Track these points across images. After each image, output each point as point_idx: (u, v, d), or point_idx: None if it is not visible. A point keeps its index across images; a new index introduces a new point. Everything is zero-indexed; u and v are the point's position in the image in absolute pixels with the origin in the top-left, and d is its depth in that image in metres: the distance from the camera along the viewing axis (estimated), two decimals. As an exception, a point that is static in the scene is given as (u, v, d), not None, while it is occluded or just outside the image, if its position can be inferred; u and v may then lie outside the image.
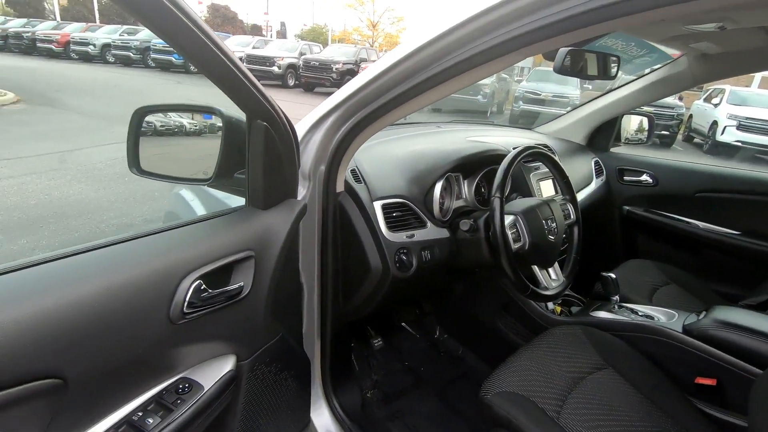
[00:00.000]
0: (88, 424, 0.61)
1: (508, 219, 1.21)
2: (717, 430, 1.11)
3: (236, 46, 15.29)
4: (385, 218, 1.17)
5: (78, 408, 0.59)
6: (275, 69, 13.76)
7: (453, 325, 1.87)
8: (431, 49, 0.82)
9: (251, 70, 0.78)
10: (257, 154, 0.86)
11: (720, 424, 1.14)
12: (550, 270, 1.26)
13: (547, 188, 1.60)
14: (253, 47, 15.35)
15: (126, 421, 0.65)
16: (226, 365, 0.79)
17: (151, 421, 0.65)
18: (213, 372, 0.77)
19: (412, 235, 1.20)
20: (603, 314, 1.44)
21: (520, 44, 0.72)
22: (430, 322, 1.91)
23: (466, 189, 1.43)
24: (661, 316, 1.36)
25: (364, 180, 1.20)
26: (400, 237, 1.17)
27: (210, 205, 1.42)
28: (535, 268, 1.23)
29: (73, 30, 17.02)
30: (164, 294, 0.68)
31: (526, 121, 10.22)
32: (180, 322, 0.70)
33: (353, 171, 1.24)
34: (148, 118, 0.98)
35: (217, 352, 0.80)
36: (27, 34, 17.04)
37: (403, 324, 1.87)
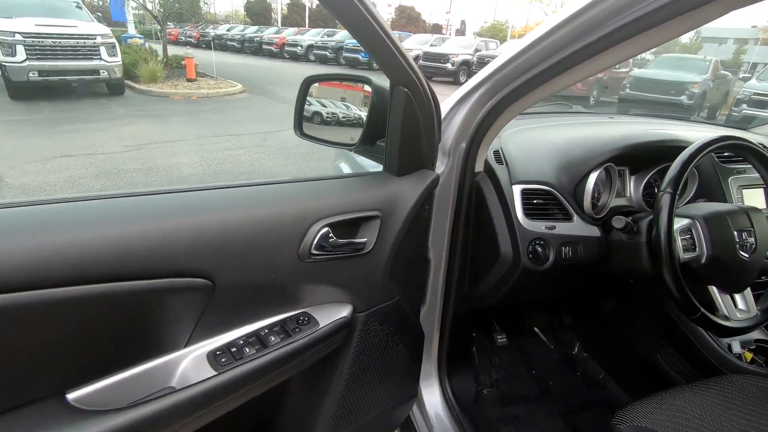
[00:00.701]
0: (227, 328, 0.74)
1: (681, 222, 0.98)
2: None
3: (415, 44, 16.10)
4: (524, 204, 1.08)
5: (221, 312, 0.72)
6: (449, 66, 14.02)
7: (596, 345, 1.63)
8: (593, 11, 0.71)
9: (426, 67, 0.81)
10: (396, 120, 0.89)
11: None
12: (738, 297, 0.98)
13: (753, 199, 1.24)
14: (431, 45, 15.90)
15: (255, 334, 0.76)
16: (342, 311, 0.86)
17: (273, 338, 0.75)
18: (330, 314, 0.84)
19: (553, 227, 1.08)
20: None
21: None
22: (568, 336, 1.71)
23: (632, 187, 1.21)
24: None
25: (506, 162, 1.14)
26: (538, 227, 1.07)
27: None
28: (715, 290, 0.97)
29: (288, 34, 20.48)
30: (296, 233, 0.77)
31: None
32: (307, 261, 0.79)
33: (496, 152, 1.18)
34: (315, 90, 1.11)
35: (335, 298, 0.87)
36: (257, 39, 21.25)
37: (535, 329, 1.72)
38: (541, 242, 1.06)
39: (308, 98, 1.11)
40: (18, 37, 6.97)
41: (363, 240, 0.86)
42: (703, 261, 0.95)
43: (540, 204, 1.10)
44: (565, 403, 1.45)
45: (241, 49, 22.08)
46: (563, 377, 1.56)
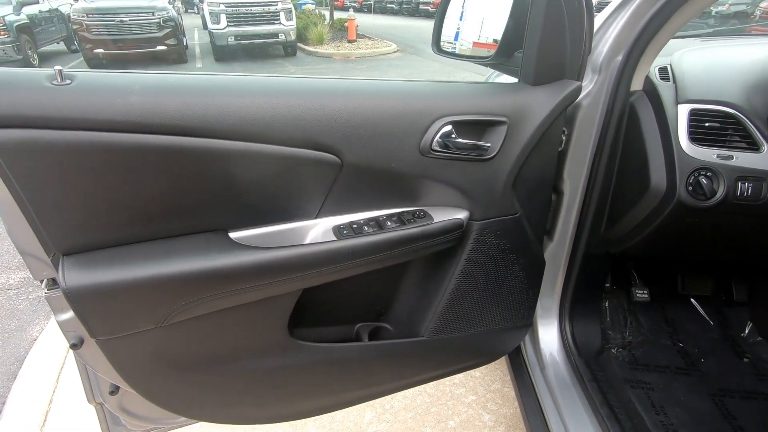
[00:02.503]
0: (352, 208, 0.82)
1: None
2: None
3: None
4: (690, 126, 0.90)
5: (347, 190, 0.80)
6: None
7: (779, 329, 1.31)
8: None
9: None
10: (536, 24, 0.82)
11: None
12: None
13: None
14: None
15: (375, 219, 0.83)
16: (458, 214, 0.86)
17: (390, 224, 0.81)
18: (446, 215, 0.85)
19: (729, 157, 0.88)
20: None
21: None
22: (737, 314, 1.40)
23: None
24: None
25: (674, 78, 0.95)
26: (708, 155, 0.89)
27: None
28: None
29: (444, -7, 19.99)
30: (419, 127, 0.79)
31: None
32: (427, 155, 0.81)
33: (663, 68, 0.99)
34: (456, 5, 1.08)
35: (453, 202, 0.87)
36: (414, 0, 21.32)
37: (691, 299, 1.46)
38: (709, 173, 0.88)
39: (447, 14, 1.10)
40: (222, 7, 8.40)
41: (487, 144, 0.84)
42: None
43: (715, 128, 0.90)
44: (718, 385, 1.22)
45: (399, 10, 22.49)
46: (723, 358, 1.30)
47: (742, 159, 0.88)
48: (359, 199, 0.81)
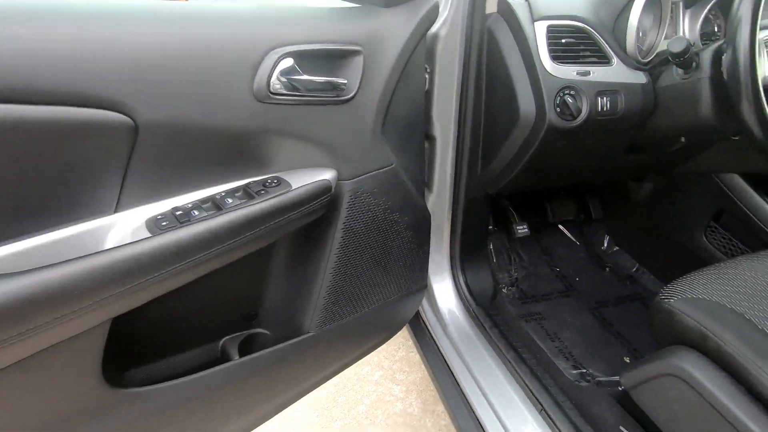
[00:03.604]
0: (168, 191, 0.58)
1: (765, 33, 0.74)
2: None
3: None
4: (549, 45, 0.85)
5: (155, 165, 0.55)
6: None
7: (629, 237, 1.46)
8: None
9: None
10: None
11: None
12: None
13: None
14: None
15: (210, 199, 0.60)
16: (322, 175, 0.68)
17: (231, 201, 0.59)
18: (307, 178, 0.67)
19: (587, 73, 0.86)
20: None
21: None
22: (596, 230, 1.53)
23: (687, 23, 0.96)
24: None
25: None
26: (568, 72, 0.85)
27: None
28: None
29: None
30: (247, 63, 0.58)
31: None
32: (267, 102, 0.60)
33: None
34: None
35: (314, 160, 0.69)
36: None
37: (560, 226, 1.55)
38: (572, 92, 0.85)
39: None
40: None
41: (343, 81, 0.67)
42: None
43: (570, 44, 0.87)
44: (593, 299, 1.31)
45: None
46: (591, 274, 1.41)
47: (597, 74, 0.87)
48: (178, 174, 0.58)
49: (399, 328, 1.02)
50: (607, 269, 1.43)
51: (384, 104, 0.72)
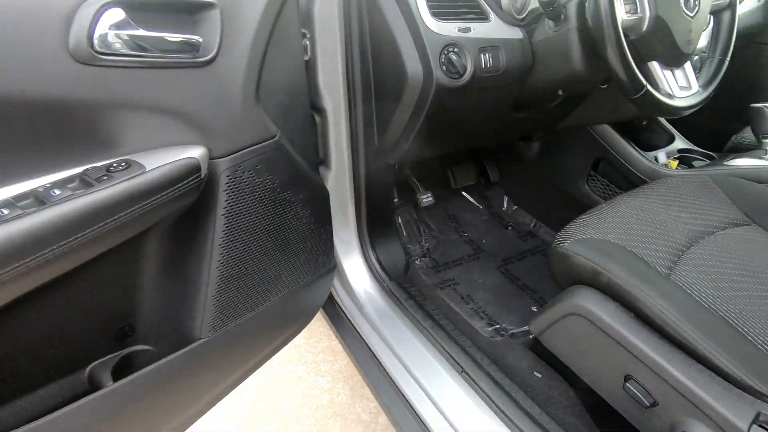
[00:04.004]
0: None
1: None
2: None
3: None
4: (428, 1, 0.83)
5: None
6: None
7: (524, 195, 1.54)
8: None
9: None
10: None
11: None
12: (678, 73, 0.85)
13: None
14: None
15: (31, 194, 0.47)
16: (187, 153, 0.58)
17: (58, 192, 0.46)
18: (165, 157, 0.56)
19: (467, 29, 0.85)
20: (750, 161, 1.02)
21: None
22: (496, 193, 1.60)
23: None
24: None
25: None
26: (450, 29, 0.84)
27: None
28: (656, 66, 0.83)
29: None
30: (54, 12, 0.45)
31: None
32: (94, 64, 0.48)
33: None
34: None
35: (176, 138, 0.58)
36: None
37: (463, 193, 1.59)
38: (456, 49, 0.84)
39: None
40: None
41: (197, 38, 0.56)
42: (645, 27, 0.78)
43: (449, 1, 0.85)
44: (500, 258, 1.36)
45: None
46: (495, 234, 1.47)
47: (477, 30, 0.86)
48: None
49: (312, 316, 0.96)
50: (509, 228, 1.50)
51: (254, 69, 0.63)
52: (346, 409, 1.27)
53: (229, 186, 0.64)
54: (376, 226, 1.14)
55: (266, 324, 0.81)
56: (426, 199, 1.33)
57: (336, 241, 1.08)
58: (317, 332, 1.52)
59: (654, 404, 0.65)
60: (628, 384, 0.68)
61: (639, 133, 1.31)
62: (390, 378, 0.96)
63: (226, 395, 0.85)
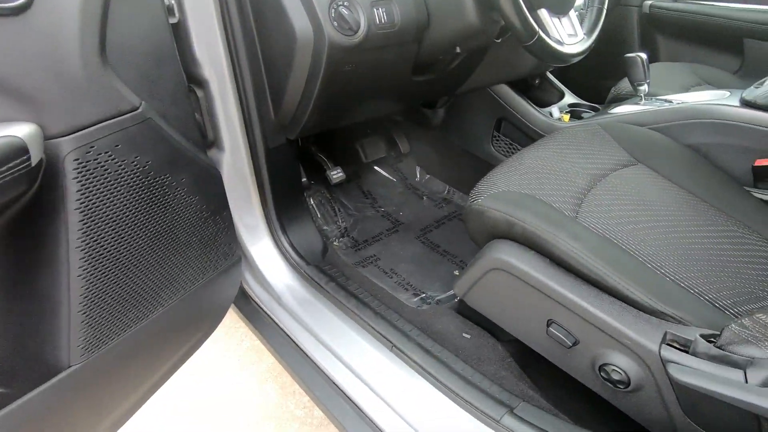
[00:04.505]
0: None
1: None
2: None
3: None
4: None
5: None
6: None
7: (435, 163, 1.54)
8: None
9: None
10: None
11: None
12: (565, 21, 0.88)
13: None
14: None
15: None
16: (8, 130, 0.44)
17: None
18: None
19: None
20: (628, 108, 1.10)
21: None
22: (408, 164, 1.58)
23: None
24: (709, 97, 1.01)
25: None
26: None
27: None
28: (545, 14, 0.84)
29: None
30: None
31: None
32: None
33: None
34: None
35: None
36: None
37: (376, 167, 1.55)
38: (346, 2, 0.77)
39: None
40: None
41: None
42: None
43: None
44: (418, 228, 1.35)
45: None
46: (412, 205, 1.45)
47: None
48: None
49: (220, 317, 0.85)
50: (425, 197, 1.49)
51: (91, 22, 0.51)
52: (278, 409, 1.18)
53: (80, 173, 0.52)
54: (285, 208, 1.05)
55: (162, 334, 0.69)
56: (336, 175, 1.26)
57: (241, 229, 0.97)
58: (238, 333, 1.39)
59: (575, 343, 0.67)
60: (550, 328, 0.69)
61: (533, 92, 1.37)
62: (319, 368, 0.90)
63: (129, 418, 0.72)
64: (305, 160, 1.29)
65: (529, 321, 0.73)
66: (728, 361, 0.53)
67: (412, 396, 0.77)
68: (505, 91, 1.30)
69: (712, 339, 0.54)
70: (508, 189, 0.79)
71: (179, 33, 0.79)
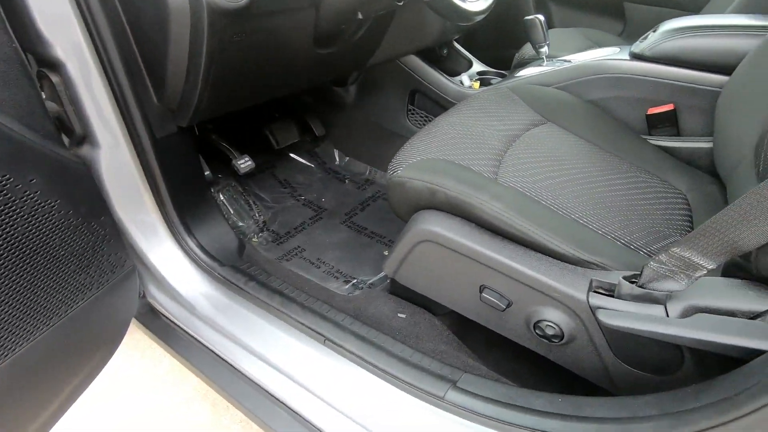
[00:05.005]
0: None
1: None
2: (676, 164, 0.90)
3: None
4: None
5: None
6: None
7: (353, 144, 1.48)
8: None
9: None
10: None
11: (678, 153, 0.94)
12: None
13: None
14: None
15: None
16: None
17: None
18: None
19: None
20: (533, 70, 1.12)
21: None
22: (325, 148, 1.50)
23: None
24: (603, 54, 1.06)
25: None
26: None
27: None
28: None
29: None
30: None
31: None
32: None
33: None
34: None
35: None
36: None
37: (291, 154, 1.45)
38: None
39: None
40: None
41: None
42: None
43: None
44: (343, 212, 1.28)
45: None
46: (334, 190, 1.38)
47: None
48: None
49: (117, 341, 0.72)
50: (347, 180, 1.43)
51: None
52: (212, 428, 1.07)
53: None
54: (188, 207, 0.93)
55: (34, 371, 0.56)
56: (244, 164, 1.14)
57: (134, 235, 0.84)
58: (155, 353, 1.24)
59: (509, 305, 0.66)
60: (483, 294, 0.67)
61: (443, 63, 1.35)
62: (248, 378, 0.81)
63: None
64: (207, 152, 1.15)
65: (462, 290, 0.70)
66: (650, 299, 0.54)
67: (351, 388, 0.72)
68: (416, 62, 1.27)
69: (634, 280, 0.55)
70: (426, 157, 0.76)
71: (11, 5, 0.64)
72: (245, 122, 1.33)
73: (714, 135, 0.85)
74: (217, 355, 0.84)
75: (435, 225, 0.67)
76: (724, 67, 0.85)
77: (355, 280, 1.04)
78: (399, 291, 0.90)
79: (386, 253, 1.13)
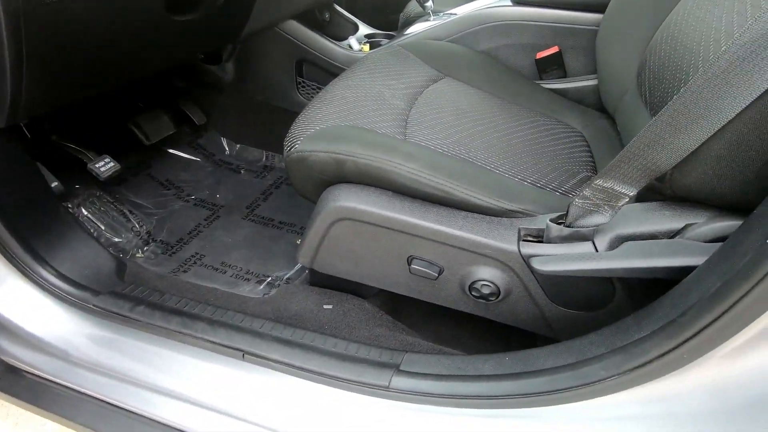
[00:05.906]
0: None
1: None
2: (568, 104, 0.92)
3: None
4: None
5: None
6: None
7: (242, 129, 1.32)
8: None
9: None
10: None
11: (568, 94, 0.96)
12: None
13: None
14: None
15: None
16: None
17: None
18: None
19: None
20: (421, 26, 1.07)
21: None
22: (210, 137, 1.32)
23: None
24: (488, 2, 1.04)
25: None
26: None
27: None
28: None
29: None
30: None
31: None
32: None
33: None
34: None
35: None
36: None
37: (169, 150, 1.24)
38: None
39: None
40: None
41: None
42: None
43: None
44: (244, 205, 1.14)
45: None
46: (229, 183, 1.22)
47: None
48: None
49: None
50: (242, 170, 1.27)
51: None
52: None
53: None
54: (33, 232, 0.72)
55: None
56: (104, 166, 0.93)
57: None
58: (33, 421, 1.00)
59: (441, 272, 0.61)
60: (412, 265, 0.61)
61: (327, 28, 1.25)
62: (156, 422, 0.67)
63: None
64: (52, 159, 0.92)
65: (389, 265, 0.64)
66: (578, 237, 0.52)
67: (284, 402, 0.62)
68: (298, 29, 1.15)
69: (561, 221, 0.53)
70: (325, 125, 0.66)
71: None
72: (101, 117, 1.10)
73: (597, 72, 0.89)
74: (110, 404, 0.68)
75: (348, 200, 0.59)
76: (600, 5, 0.88)
77: (269, 279, 0.92)
78: (320, 280, 0.81)
79: (299, 242, 1.03)
